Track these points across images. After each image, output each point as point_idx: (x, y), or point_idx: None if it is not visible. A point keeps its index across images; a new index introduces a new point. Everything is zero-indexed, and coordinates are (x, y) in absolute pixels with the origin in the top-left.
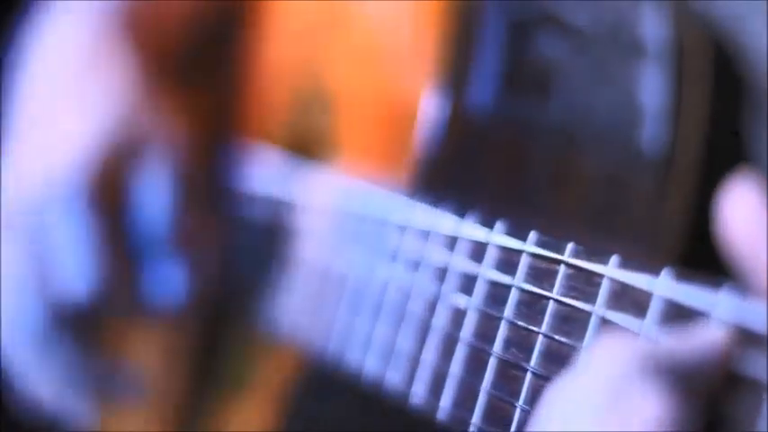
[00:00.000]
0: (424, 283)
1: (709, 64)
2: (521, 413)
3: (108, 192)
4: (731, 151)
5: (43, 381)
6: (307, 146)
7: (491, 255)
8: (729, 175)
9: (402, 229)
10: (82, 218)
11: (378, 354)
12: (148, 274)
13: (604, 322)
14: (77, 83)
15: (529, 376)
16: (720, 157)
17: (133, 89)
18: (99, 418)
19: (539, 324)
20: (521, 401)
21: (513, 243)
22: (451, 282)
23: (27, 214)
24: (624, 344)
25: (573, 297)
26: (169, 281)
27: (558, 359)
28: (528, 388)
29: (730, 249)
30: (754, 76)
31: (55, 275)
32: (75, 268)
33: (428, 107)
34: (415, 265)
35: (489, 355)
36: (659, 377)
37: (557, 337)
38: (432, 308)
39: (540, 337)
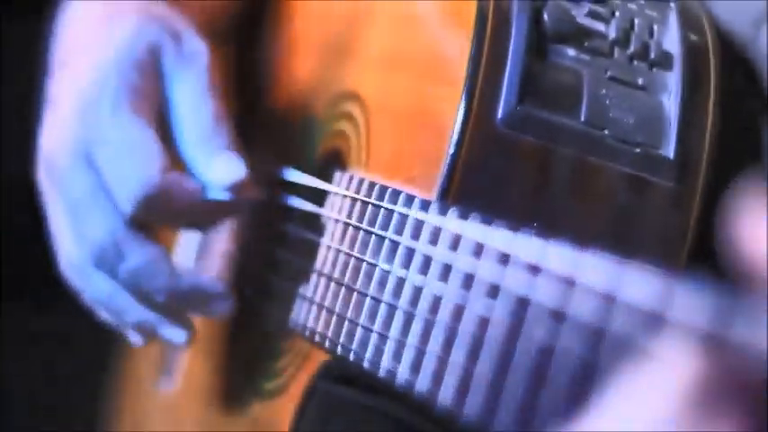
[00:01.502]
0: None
1: (726, 69)
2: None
3: (150, 88)
4: (746, 156)
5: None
6: (334, 154)
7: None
8: (739, 183)
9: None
10: (132, 117)
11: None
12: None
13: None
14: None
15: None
16: (735, 163)
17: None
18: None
19: None
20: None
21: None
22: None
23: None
24: (670, 378)
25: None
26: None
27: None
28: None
29: (738, 260)
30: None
31: (119, 181)
32: (138, 166)
33: (453, 116)
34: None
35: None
36: (719, 404)
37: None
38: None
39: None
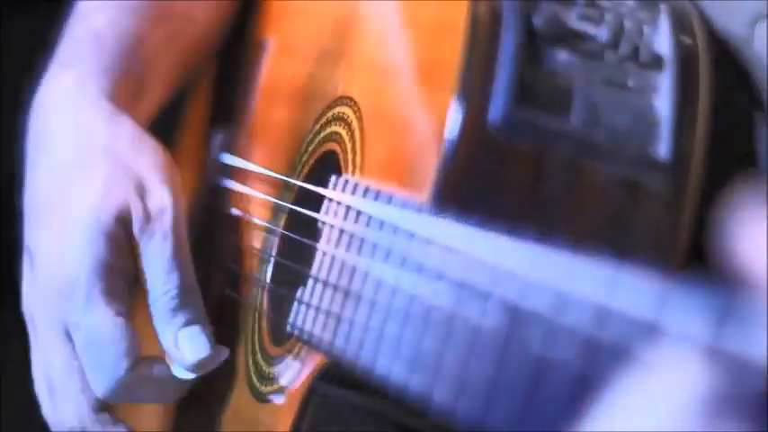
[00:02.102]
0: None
1: (718, 70)
2: None
3: (121, 262)
4: (739, 157)
5: None
6: (328, 158)
7: None
8: (733, 185)
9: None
10: (103, 308)
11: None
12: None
13: None
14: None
15: None
16: (729, 163)
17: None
18: None
19: None
20: None
21: None
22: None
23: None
24: (687, 378)
25: None
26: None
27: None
28: None
29: (733, 265)
30: (762, 83)
31: (90, 368)
32: (108, 358)
33: (446, 120)
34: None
35: None
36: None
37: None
38: None
39: None
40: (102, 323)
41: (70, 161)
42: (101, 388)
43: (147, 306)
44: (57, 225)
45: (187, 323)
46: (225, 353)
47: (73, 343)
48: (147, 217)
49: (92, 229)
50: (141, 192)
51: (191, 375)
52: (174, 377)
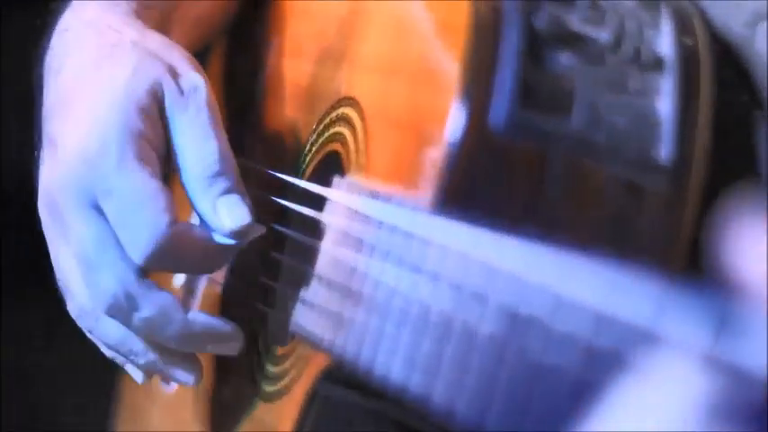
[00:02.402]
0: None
1: (719, 71)
2: None
3: (154, 132)
4: (740, 158)
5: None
6: (332, 159)
7: None
8: (733, 192)
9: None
10: (138, 169)
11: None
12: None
13: None
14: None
15: None
16: (729, 165)
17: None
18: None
19: None
20: None
21: None
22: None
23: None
24: (690, 382)
25: None
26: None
27: None
28: None
29: (733, 274)
30: (763, 83)
31: (128, 234)
32: (146, 219)
33: (448, 121)
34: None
35: None
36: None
37: None
38: None
39: None
40: (137, 182)
41: (98, 57)
42: (142, 251)
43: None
44: (85, 106)
45: (226, 191)
46: (262, 229)
47: (104, 216)
48: (181, 92)
49: (124, 101)
50: (173, 72)
51: (231, 242)
52: (216, 242)
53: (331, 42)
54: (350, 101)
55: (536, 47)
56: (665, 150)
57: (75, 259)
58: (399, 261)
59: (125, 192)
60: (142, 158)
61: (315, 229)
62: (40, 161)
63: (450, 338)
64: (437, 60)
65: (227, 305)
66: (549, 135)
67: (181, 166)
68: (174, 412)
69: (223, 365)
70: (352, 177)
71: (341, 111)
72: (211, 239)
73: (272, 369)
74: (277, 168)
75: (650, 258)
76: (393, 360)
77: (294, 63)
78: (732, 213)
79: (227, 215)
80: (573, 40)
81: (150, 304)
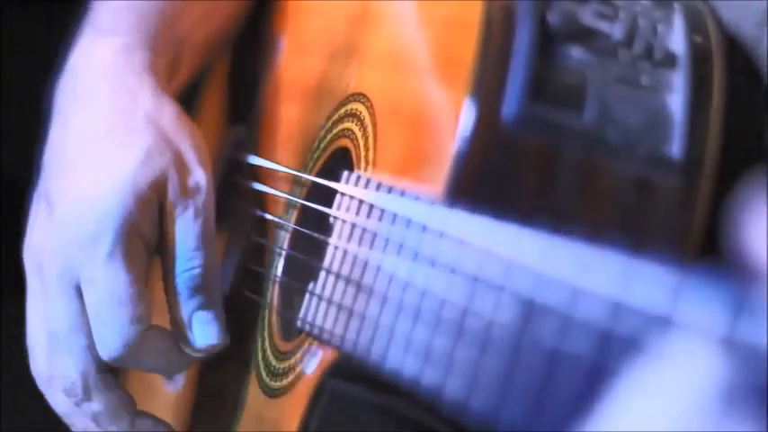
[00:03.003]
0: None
1: (730, 69)
2: None
3: (148, 227)
4: (750, 156)
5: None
6: (341, 154)
7: None
8: (743, 184)
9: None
10: (123, 269)
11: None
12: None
13: None
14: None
15: None
16: (740, 162)
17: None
18: None
19: None
20: None
21: None
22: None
23: (68, 262)
24: (703, 369)
25: None
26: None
27: None
28: None
29: (746, 262)
30: None
31: (99, 328)
32: (120, 321)
33: (459, 116)
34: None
35: None
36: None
37: None
38: None
39: None
40: (120, 283)
41: (110, 123)
42: (110, 350)
43: (158, 280)
44: (88, 179)
45: (203, 306)
46: (227, 340)
47: (82, 299)
48: (184, 191)
49: (126, 190)
50: (180, 167)
51: (197, 354)
52: (181, 352)
53: (340, 39)
54: (359, 96)
55: (548, 42)
56: (676, 146)
57: (46, 331)
58: (411, 254)
59: (107, 288)
60: (132, 257)
61: (324, 224)
62: (35, 212)
63: (466, 331)
64: (449, 56)
65: (232, 299)
66: (561, 130)
67: (164, 264)
68: (180, 412)
69: (227, 360)
70: (362, 172)
71: (350, 107)
72: (176, 350)
73: (276, 365)
74: (286, 164)
75: (661, 254)
76: (406, 354)
77: (302, 60)
78: (745, 198)
79: (199, 331)
80: (585, 36)
81: (103, 400)
